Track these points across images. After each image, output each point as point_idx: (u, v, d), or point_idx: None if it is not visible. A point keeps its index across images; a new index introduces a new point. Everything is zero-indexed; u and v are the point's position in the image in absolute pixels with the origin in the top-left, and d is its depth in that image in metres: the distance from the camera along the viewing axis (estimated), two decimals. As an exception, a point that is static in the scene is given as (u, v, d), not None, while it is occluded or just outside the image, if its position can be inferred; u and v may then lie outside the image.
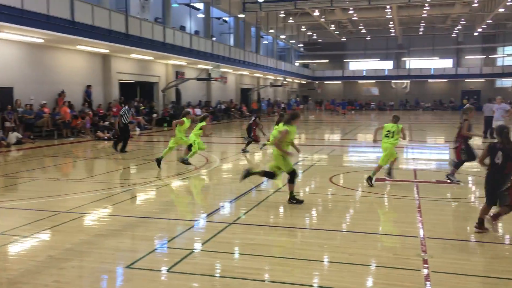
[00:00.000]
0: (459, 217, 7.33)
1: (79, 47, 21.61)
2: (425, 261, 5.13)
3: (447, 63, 62.53)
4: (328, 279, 4.76)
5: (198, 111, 32.27)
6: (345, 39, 63.93)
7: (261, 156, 15.22)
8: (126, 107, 15.83)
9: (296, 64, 62.91)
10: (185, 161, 11.83)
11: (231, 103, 39.03)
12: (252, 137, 15.91)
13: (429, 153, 16.06)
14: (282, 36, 54.49)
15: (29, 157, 14.62)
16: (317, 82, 63.85)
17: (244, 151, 15.45)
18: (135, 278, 4.75)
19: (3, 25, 16.17)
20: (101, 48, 22.38)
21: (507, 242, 6.10)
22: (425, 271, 4.87)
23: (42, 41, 19.30)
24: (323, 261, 5.26)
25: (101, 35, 20.91)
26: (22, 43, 19.21)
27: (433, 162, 13.97)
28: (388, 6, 41.85)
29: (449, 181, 9.81)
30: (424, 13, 45.61)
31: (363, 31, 57.89)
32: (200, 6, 37.94)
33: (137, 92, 30.05)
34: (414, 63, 63.37)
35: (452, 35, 59.80)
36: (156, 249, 5.67)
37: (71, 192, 9.07)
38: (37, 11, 17.31)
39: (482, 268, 5.04)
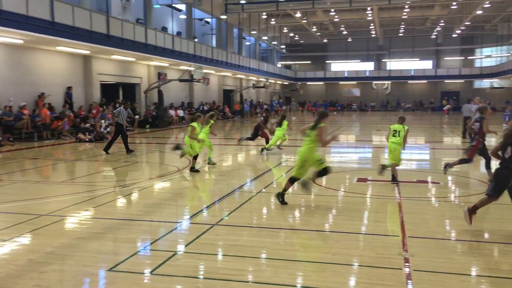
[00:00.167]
0: (440, 216, 7.44)
1: (59, 48, 21.35)
2: (406, 260, 5.19)
3: (427, 64, 63.45)
4: (311, 279, 4.79)
5: (180, 112, 32.15)
6: (326, 41, 64.43)
7: (256, 157, 15.23)
8: (121, 107, 15.66)
9: (279, 65, 63.11)
10: (194, 170, 11.49)
11: (213, 105, 38.95)
12: (260, 135, 16.22)
13: (410, 153, 16.24)
14: (265, 38, 54.61)
15: (8, 159, 14.38)
16: (299, 83, 64.16)
17: (240, 140, 16.45)
18: (117, 281, 4.71)
19: (-20, 26, 15.91)
20: (82, 49, 22.14)
21: (487, 240, 6.21)
22: (407, 269, 4.93)
23: (21, 42, 19.02)
24: (306, 261, 5.29)
25: (82, 36, 20.69)
26: (0, 44, 18.89)
27: (414, 162, 14.16)
28: (368, 8, 42.30)
29: (443, 168, 10.25)
30: (404, 15, 46.22)
31: (345, 32, 58.41)
32: (182, 7, 37.82)
33: (119, 93, 29.80)
34: (395, 64, 64.13)
35: (432, 36, 60.70)
36: (138, 251, 5.63)
37: (51, 195, 8.95)
38: (16, 11, 17.06)
39: (462, 266, 5.12)
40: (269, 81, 54.24)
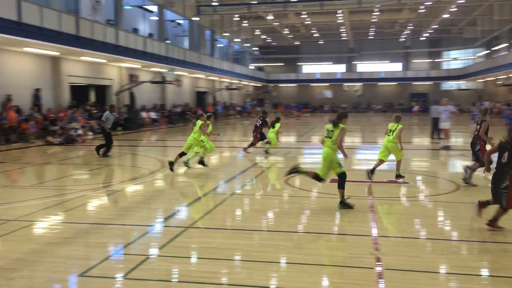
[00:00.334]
0: (410, 215, 7.59)
1: (27, 49, 20.85)
2: (378, 259, 5.28)
3: (396, 67, 64.73)
4: (285, 280, 4.82)
5: (153, 114, 31.84)
6: (299, 43, 64.94)
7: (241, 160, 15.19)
8: (108, 112, 15.32)
9: (251, 67, 63.22)
10: (173, 165, 11.49)
11: (186, 106, 38.72)
12: (259, 139, 16.13)
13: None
14: (237, 40, 54.64)
15: (-27, 164, 13.95)
16: (272, 85, 64.48)
17: (246, 149, 15.87)
18: (89, 287, 4.64)
19: None
20: (50, 50, 21.69)
21: (454, 238, 6.37)
22: (378, 268, 5.02)
23: (-14, 43, 18.52)
24: (280, 263, 5.32)
25: (50, 37, 20.26)
26: (-36, 44, 18.35)
27: (384, 163, 14.36)
28: (339, 11, 42.84)
29: (466, 184, 9.69)
30: (374, 18, 47.01)
31: (316, 35, 59.00)
32: (154, 8, 37.48)
33: (90, 95, 29.30)
34: (365, 67, 65.16)
35: (401, 39, 61.93)
36: (110, 256, 5.55)
37: (20, 200, 8.73)
38: (-19, 11, 16.60)
39: (432, 264, 5.24)
40: (242, 83, 54.30)
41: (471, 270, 5.03)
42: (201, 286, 4.61)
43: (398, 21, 51.72)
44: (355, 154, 15.32)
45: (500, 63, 42.33)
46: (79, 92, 26.74)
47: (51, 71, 23.83)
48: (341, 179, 7.75)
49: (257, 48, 66.26)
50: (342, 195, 7.74)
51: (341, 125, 7.70)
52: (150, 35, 35.53)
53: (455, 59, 62.57)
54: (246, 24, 49.46)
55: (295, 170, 7.92)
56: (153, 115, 31.80)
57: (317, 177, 7.91)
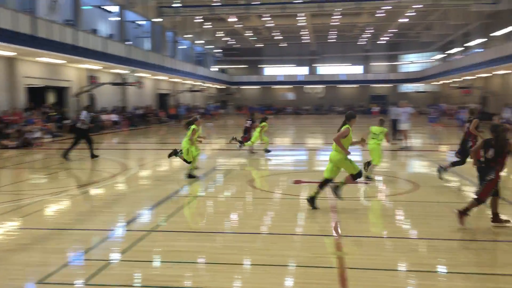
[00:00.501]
0: (371, 214, 7.75)
1: (-20, 49, 20.09)
2: (340, 259, 5.37)
3: (357, 69, 66.13)
4: (249, 282, 4.84)
5: (113, 116, 31.23)
6: (261, 45, 65.27)
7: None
8: (85, 112, 14.93)
9: (214, 69, 63.04)
10: (191, 176, 11.04)
11: (148, 109, 38.20)
12: (242, 138, 16.21)
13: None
14: (200, 41, 54.37)
15: None
16: (235, 87, 64.52)
17: (239, 141, 16.00)
18: (49, 294, 4.51)
19: None
20: (6, 50, 20.94)
21: (414, 237, 6.55)
22: (341, 268, 5.10)
23: None
24: (244, 264, 5.33)
25: (5, 37, 19.55)
26: None
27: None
28: (301, 14, 43.34)
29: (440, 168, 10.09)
30: (335, 22, 47.81)
31: (279, 37, 59.45)
32: (114, 9, 36.80)
33: (48, 97, 28.46)
34: (327, 69, 66.20)
35: (361, 43, 63.26)
36: (70, 262, 5.41)
37: (-27, 206, 8.38)
38: None
39: (392, 263, 5.37)
40: (205, 85, 54.07)
41: (430, 267, 5.18)
42: (164, 290, 4.56)
43: (358, 25, 52.80)
44: (317, 155, 15.52)
45: (455, 66, 43.85)
46: (36, 94, 25.93)
47: (6, 72, 23.02)
48: (357, 177, 7.79)
49: (220, 50, 66.16)
50: (342, 184, 7.82)
51: (346, 125, 7.75)
52: (111, 36, 34.87)
53: (412, 62, 64.47)
54: (209, 26, 49.30)
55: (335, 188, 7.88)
56: (114, 117, 31.21)
57: (326, 181, 7.89)
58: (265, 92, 66.10)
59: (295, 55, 66.34)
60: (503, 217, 6.73)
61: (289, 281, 4.88)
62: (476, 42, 43.15)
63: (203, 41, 55.04)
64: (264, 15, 44.57)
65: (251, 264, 5.32)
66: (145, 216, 7.72)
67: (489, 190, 6.54)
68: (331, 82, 63.02)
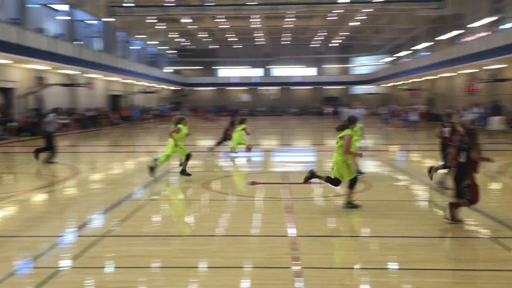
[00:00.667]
0: (325, 214, 7.87)
1: None
2: (295, 258, 5.42)
3: (310, 71, 67.22)
4: (205, 285, 4.80)
5: (51, 117, 30.20)
6: (216, 47, 65.11)
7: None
8: (52, 114, 14.37)
9: (168, 70, 62.29)
10: (185, 173, 10.90)
11: (99, 110, 37.26)
12: (224, 139, 16.35)
13: (296, 156, 16.98)
14: (153, 42, 53.59)
15: None
16: (189, 88, 64.01)
17: (213, 149, 16.19)
18: (-6, 305, 4.30)
19: None
20: None
21: (366, 235, 6.71)
22: (296, 267, 5.15)
23: None
24: (200, 267, 5.29)
25: None
26: None
27: (300, 164, 14.81)
28: (255, 16, 43.57)
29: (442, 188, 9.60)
30: (289, 24, 48.38)
31: (233, 39, 59.50)
32: (63, 7, 35.66)
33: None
34: (281, 71, 66.88)
35: (314, 45, 64.33)
36: (17, 270, 5.18)
37: None
38: None
39: (346, 261, 5.48)
40: (159, 86, 53.34)
41: (381, 264, 5.32)
42: (118, 296, 4.45)
43: (311, 28, 53.66)
44: (272, 156, 15.62)
45: (403, 69, 45.40)
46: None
47: None
48: (353, 183, 7.91)
49: (174, 51, 65.46)
50: (349, 196, 7.96)
51: (347, 131, 7.79)
52: (60, 35, 33.77)
53: (363, 64, 66.23)
54: (162, 27, 48.68)
55: (311, 175, 8.01)
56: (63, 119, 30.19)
57: (332, 181, 8.00)
58: (220, 93, 65.98)
59: (249, 57, 66.63)
60: (459, 217, 6.94)
61: (245, 283, 4.88)
62: (423, 45, 44.83)
63: (156, 42, 54.29)
64: (218, 17, 44.48)
65: (207, 267, 5.28)
66: (97, 221, 7.51)
67: (474, 191, 6.70)
68: (285, 84, 63.73)
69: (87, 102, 36.57)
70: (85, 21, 39.35)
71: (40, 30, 29.31)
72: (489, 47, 26.76)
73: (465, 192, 6.75)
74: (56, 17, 35.79)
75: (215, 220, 7.40)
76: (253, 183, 10.55)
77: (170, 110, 54.27)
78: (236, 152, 15.92)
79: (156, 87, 51.83)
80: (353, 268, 5.28)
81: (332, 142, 22.46)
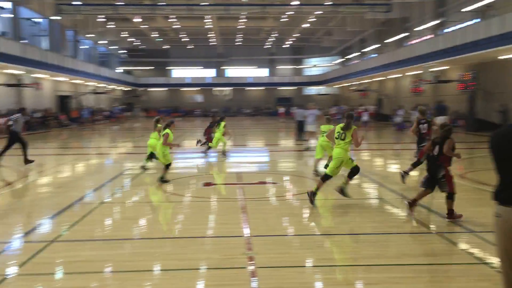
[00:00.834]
0: (279, 214, 7.96)
1: None
2: (250, 259, 5.45)
3: (263, 72, 67.67)
4: (160, 288, 4.75)
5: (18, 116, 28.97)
6: (168, 47, 64.32)
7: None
8: (19, 114, 13.91)
9: (119, 70, 60.96)
10: (164, 180, 10.49)
11: (47, 112, 35.96)
12: (206, 140, 16.30)
13: (250, 156, 17.06)
14: (103, 41, 52.29)
15: None
16: (141, 89, 62.90)
17: (205, 153, 15.93)
18: None
19: None
20: None
21: (319, 233, 6.84)
22: (251, 267, 5.19)
23: None
24: (154, 270, 5.22)
25: None
26: None
27: (254, 165, 14.90)
28: (207, 16, 43.38)
29: (401, 178, 9.88)
30: (241, 25, 48.50)
31: (186, 39, 59.00)
32: (7, 5, 34.18)
33: None
34: (234, 72, 66.95)
35: (267, 46, 64.82)
36: (-40, 280, 4.93)
37: None
38: None
39: (300, 259, 5.57)
40: (110, 86, 52.12)
41: (334, 262, 5.45)
42: (69, 303, 4.32)
43: (264, 29, 54.03)
44: (227, 157, 15.62)
45: (353, 70, 46.52)
46: None
47: None
48: (355, 172, 8.27)
49: (125, 51, 64.14)
50: (346, 183, 8.28)
51: (354, 127, 8.15)
52: (3, 33, 32.34)
53: (315, 66, 67.37)
54: (112, 26, 47.57)
55: (316, 194, 8.11)
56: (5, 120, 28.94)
57: (326, 177, 8.24)
58: (173, 94, 65.24)
59: (202, 57, 66.28)
60: (457, 212, 7.09)
61: (200, 285, 4.87)
62: (371, 47, 46.13)
63: (106, 41, 53.00)
64: (170, 16, 43.96)
65: (161, 270, 5.23)
66: (46, 226, 7.26)
67: (451, 182, 6.96)
68: (238, 85, 63.83)
69: (34, 103, 35.17)
70: (31, 19, 37.89)
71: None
72: (433, 50, 27.88)
73: (443, 183, 7.00)
74: (1, 15, 34.29)
75: (169, 222, 7.34)
76: (207, 184, 10.52)
77: (122, 111, 53.15)
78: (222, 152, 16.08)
79: (107, 88, 50.57)
80: (307, 266, 5.38)
81: (285, 142, 22.74)
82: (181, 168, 14.18)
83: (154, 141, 12.11)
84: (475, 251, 5.82)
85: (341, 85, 56.57)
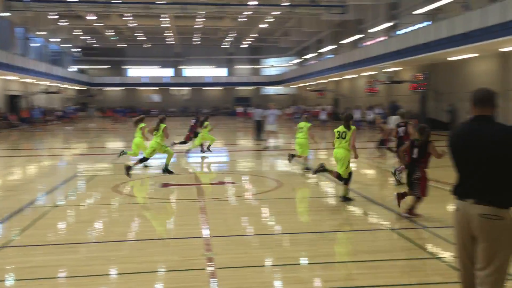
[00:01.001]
0: (238, 214, 7.96)
1: None
2: (210, 259, 5.42)
3: (221, 72, 67.48)
4: (116, 292, 4.64)
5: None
6: (124, 45, 63.08)
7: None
8: None
9: (73, 69, 59.22)
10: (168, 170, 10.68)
11: (-5, 112, 34.49)
12: (185, 139, 16.24)
13: (209, 157, 16.95)
14: (55, 39, 50.63)
15: None
16: (96, 88, 61.36)
17: (203, 151, 16.03)
18: None
19: None
20: None
21: (278, 232, 6.88)
22: (210, 268, 5.15)
23: None
24: (110, 274, 5.10)
25: None
26: None
27: (213, 165, 14.83)
28: (164, 15, 42.84)
29: (395, 175, 10.05)
30: (199, 24, 48.18)
31: (142, 38, 58.02)
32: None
33: None
34: (192, 71, 66.44)
35: (225, 46, 64.69)
36: None
37: None
38: None
39: (259, 259, 5.58)
40: (63, 86, 50.53)
41: (293, 260, 5.49)
42: (20, 311, 4.15)
43: (222, 28, 53.88)
44: (185, 157, 15.47)
45: (310, 70, 47.16)
46: None
47: None
48: (349, 178, 8.34)
49: (79, 49, 62.37)
50: (346, 190, 8.37)
51: (353, 127, 8.26)
52: None
53: (272, 66, 67.82)
54: (65, 23, 46.13)
55: (322, 169, 8.31)
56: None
57: (339, 177, 8.31)
58: (129, 94, 64.01)
59: (159, 57, 65.37)
60: (417, 212, 7.23)
61: (159, 287, 4.79)
62: (328, 48, 46.90)
63: (59, 39, 51.36)
64: (126, 15, 43.10)
65: (118, 274, 5.11)
66: (-5, 231, 6.95)
67: (424, 186, 7.09)
68: (196, 84, 63.40)
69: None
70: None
71: None
72: (386, 51, 28.64)
73: (416, 185, 7.14)
74: None
75: (125, 224, 7.18)
76: (165, 185, 10.38)
77: (76, 111, 51.68)
78: (205, 151, 16.25)
79: (59, 87, 49.01)
80: (266, 266, 5.40)
81: (244, 142, 22.75)
82: (138, 169, 13.92)
83: (139, 139, 12.47)
84: (429, 246, 6.02)
85: (298, 85, 57.20)
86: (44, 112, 42.75)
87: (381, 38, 32.94)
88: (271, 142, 18.37)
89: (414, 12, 29.06)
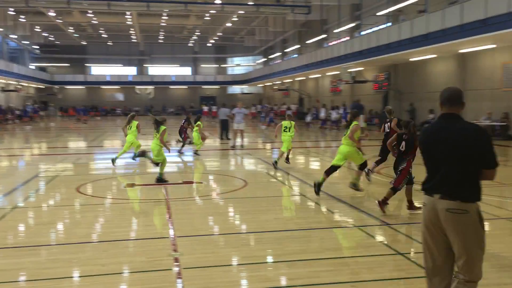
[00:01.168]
0: (204, 214, 7.92)
1: None
2: (176, 260, 5.37)
3: (186, 71, 66.93)
4: (80, 295, 4.54)
5: None
6: (86, 43, 61.67)
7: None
8: None
9: (32, 67, 57.45)
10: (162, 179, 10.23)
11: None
12: (183, 139, 16.62)
13: (175, 156, 16.80)
14: (14, 36, 48.99)
15: None
16: (57, 86, 59.71)
17: (180, 152, 16.08)
18: None
19: None
20: None
21: (244, 231, 6.90)
22: (177, 269, 5.11)
23: None
24: (73, 277, 4.98)
25: None
26: None
27: (179, 164, 14.71)
28: (128, 13, 42.11)
29: (366, 176, 10.21)
30: (163, 22, 47.61)
31: (105, 35, 56.88)
32: None
33: None
34: (156, 70, 65.61)
35: (190, 44, 64.19)
36: None
37: None
38: None
39: (226, 258, 5.57)
40: (21, 84, 48.95)
41: (259, 259, 5.51)
42: (-23, 317, 4.01)
43: (187, 27, 53.42)
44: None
45: (275, 70, 47.39)
46: None
47: None
48: (363, 166, 8.90)
49: (39, 47, 60.54)
50: (358, 179, 8.85)
51: (354, 122, 8.70)
52: None
53: (238, 65, 67.82)
54: (24, 20, 44.68)
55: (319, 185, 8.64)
56: None
57: (333, 168, 8.69)
58: (92, 92, 62.59)
59: (123, 55, 64.23)
60: (416, 204, 7.41)
61: (123, 289, 4.72)
62: (293, 48, 47.23)
63: (17, 36, 49.72)
64: (88, 12, 42.11)
65: (81, 276, 4.99)
66: (-50, 235, 6.67)
67: (402, 178, 7.32)
68: (161, 83, 62.64)
69: None
70: None
71: None
72: (350, 51, 29.09)
73: (397, 176, 7.40)
74: None
75: (88, 226, 7.03)
76: (129, 185, 10.22)
77: (35, 110, 50.17)
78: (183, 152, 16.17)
79: (18, 85, 47.43)
80: (233, 265, 5.40)
81: (209, 141, 22.63)
82: (101, 169, 13.66)
83: (131, 137, 12.71)
84: (391, 243, 6.16)
85: (264, 84, 57.38)
86: (2, 111, 41.35)
87: (345, 39, 33.45)
88: (238, 141, 18.37)
89: (377, 14, 29.66)
